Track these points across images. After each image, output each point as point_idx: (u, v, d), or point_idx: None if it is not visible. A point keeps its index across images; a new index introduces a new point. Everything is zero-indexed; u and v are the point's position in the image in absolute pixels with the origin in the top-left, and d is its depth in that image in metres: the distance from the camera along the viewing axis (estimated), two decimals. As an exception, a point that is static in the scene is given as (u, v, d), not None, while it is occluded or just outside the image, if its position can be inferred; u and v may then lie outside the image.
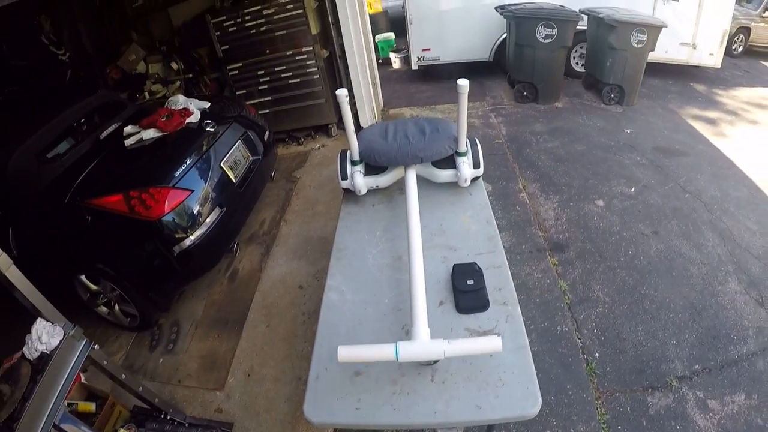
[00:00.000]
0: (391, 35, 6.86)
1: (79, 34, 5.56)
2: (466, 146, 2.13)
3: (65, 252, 3.05)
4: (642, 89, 4.94)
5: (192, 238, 2.91)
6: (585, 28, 4.81)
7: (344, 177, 2.20)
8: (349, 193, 2.27)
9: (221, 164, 3.22)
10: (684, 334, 2.53)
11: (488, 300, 1.53)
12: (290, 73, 4.63)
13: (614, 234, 3.15)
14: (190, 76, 5.24)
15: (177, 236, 2.85)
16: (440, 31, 5.41)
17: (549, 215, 3.43)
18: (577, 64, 5.41)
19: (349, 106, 1.98)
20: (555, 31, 4.51)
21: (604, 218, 3.32)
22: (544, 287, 2.82)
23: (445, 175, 2.14)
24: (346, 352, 1.32)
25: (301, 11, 4.24)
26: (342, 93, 1.90)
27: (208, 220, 3.00)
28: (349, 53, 4.46)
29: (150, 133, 3.13)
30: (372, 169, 2.19)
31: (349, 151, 2.22)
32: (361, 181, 2.15)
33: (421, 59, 5.68)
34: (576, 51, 5.34)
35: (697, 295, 2.70)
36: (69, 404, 2.57)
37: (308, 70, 4.57)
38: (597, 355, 2.47)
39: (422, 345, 1.31)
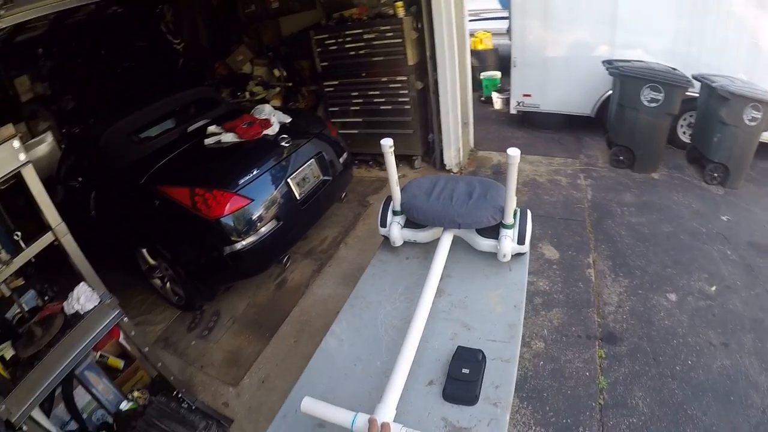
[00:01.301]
0: (497, 74, 6.72)
1: (197, 28, 6.11)
2: (514, 219, 1.99)
3: (133, 225, 3.36)
4: (750, 172, 4.37)
5: (244, 243, 3.05)
6: (697, 95, 4.36)
7: (383, 224, 2.17)
8: (387, 240, 2.24)
9: (288, 179, 3.33)
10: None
11: (478, 395, 1.41)
12: (383, 99, 4.70)
13: (678, 337, 2.79)
14: (290, 84, 5.53)
15: (230, 238, 3.01)
16: (543, 78, 5.21)
17: (612, 300, 3.13)
18: (684, 133, 4.92)
19: (392, 157, 1.94)
20: (662, 96, 4.14)
21: (671, 316, 2.95)
22: (581, 380, 2.56)
23: (485, 244, 2.02)
24: (310, 405, 1.34)
25: (400, 41, 4.29)
26: (386, 143, 1.88)
27: (262, 229, 3.13)
28: (442, 90, 4.45)
29: (229, 137, 3.33)
30: (414, 222, 2.14)
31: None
32: (397, 234, 2.10)
33: (521, 104, 5.49)
34: (684, 119, 4.85)
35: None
36: (101, 356, 2.84)
37: (400, 99, 4.61)
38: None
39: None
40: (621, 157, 4.62)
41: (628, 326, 2.92)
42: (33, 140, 5.00)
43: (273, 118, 3.53)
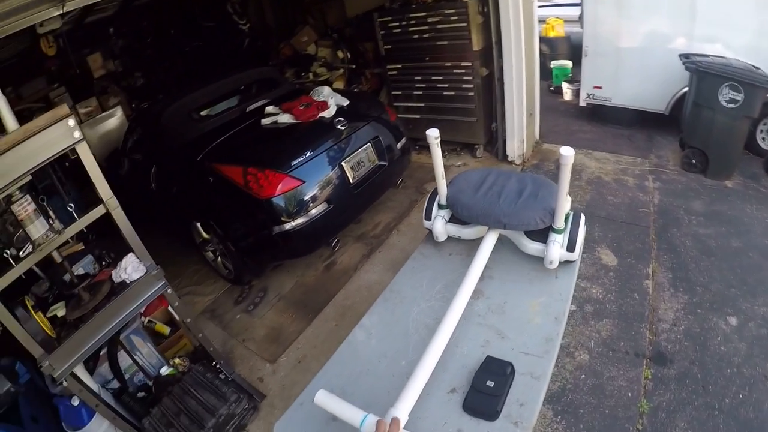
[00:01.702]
0: (569, 63, 6.33)
1: (263, 9, 6.21)
2: (565, 223, 1.88)
3: (189, 199, 3.51)
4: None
5: (293, 224, 3.10)
6: None
7: (428, 217, 2.12)
8: (431, 234, 2.19)
9: (342, 162, 3.33)
10: None
11: (499, 411, 1.35)
12: (446, 85, 4.57)
13: (733, 366, 2.54)
14: (354, 66, 5.52)
15: (280, 218, 3.07)
16: (616, 69, 4.84)
17: (667, 316, 2.91)
18: (763, 139, 4.42)
19: (439, 149, 1.88)
20: (741, 96, 3.73)
21: (729, 342, 2.70)
22: (622, 400, 2.40)
23: (532, 247, 1.93)
24: (323, 398, 1.35)
25: (465, 25, 4.13)
26: (432, 134, 1.81)
27: (313, 211, 3.16)
28: (507, 77, 4.26)
29: (285, 118, 3.38)
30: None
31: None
32: (440, 229, 2.05)
33: (591, 96, 5.15)
34: (765, 124, 4.37)
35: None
36: (150, 321, 3.03)
37: (464, 86, 4.46)
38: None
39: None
40: (693, 161, 4.25)
41: (680, 347, 2.71)
42: (103, 114, 5.35)
43: (331, 100, 3.53)
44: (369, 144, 3.56)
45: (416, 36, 4.44)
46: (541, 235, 1.90)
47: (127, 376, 2.70)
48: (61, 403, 2.25)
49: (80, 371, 2.19)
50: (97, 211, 2.13)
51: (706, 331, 2.78)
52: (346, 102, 3.65)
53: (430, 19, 4.29)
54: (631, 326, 2.85)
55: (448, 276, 1.96)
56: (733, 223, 3.62)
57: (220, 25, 6.23)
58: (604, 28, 4.72)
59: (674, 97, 4.58)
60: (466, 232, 2.07)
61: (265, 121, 3.44)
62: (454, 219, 2.11)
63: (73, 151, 1.97)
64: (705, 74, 3.89)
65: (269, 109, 3.54)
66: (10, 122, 1.82)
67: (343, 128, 3.38)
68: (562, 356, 2.66)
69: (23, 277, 1.97)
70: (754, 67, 3.92)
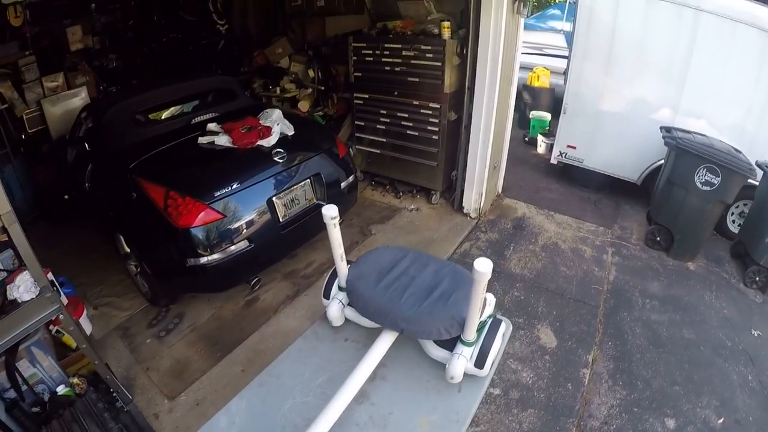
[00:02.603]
0: (547, 116, 6.17)
1: (247, 13, 5.97)
2: (479, 333, 1.60)
3: (113, 209, 3.28)
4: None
5: (207, 258, 2.89)
6: (757, 184, 3.77)
7: (326, 296, 1.87)
8: (330, 314, 1.94)
9: (274, 198, 3.11)
10: None
11: None
12: (411, 124, 4.36)
13: None
14: (323, 88, 5.29)
15: (195, 250, 2.85)
16: (593, 131, 4.68)
17: (600, 413, 2.70)
18: (733, 222, 4.30)
19: (336, 230, 1.62)
20: (718, 180, 3.59)
21: (661, 448, 2.51)
22: None
23: (437, 354, 1.67)
24: None
25: (439, 64, 3.94)
26: (328, 213, 1.56)
27: (231, 248, 2.95)
28: (475, 126, 4.07)
29: (222, 140, 3.14)
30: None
31: None
32: (336, 313, 1.80)
33: (563, 155, 4.97)
34: (737, 206, 4.24)
35: None
36: (57, 331, 2.82)
37: (429, 128, 4.26)
38: None
39: None
40: (658, 238, 4.09)
41: (607, 451, 2.50)
42: (68, 92, 5.03)
43: (276, 126, 3.30)
44: (308, 180, 3.34)
45: (388, 68, 4.24)
46: (449, 341, 1.64)
47: (28, 386, 2.53)
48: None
49: None
50: None
51: (638, 432, 2.57)
52: (291, 131, 3.41)
53: (405, 53, 4.09)
54: (557, 420, 2.65)
55: (336, 368, 1.72)
56: (688, 310, 3.45)
57: (200, 21, 6.00)
58: (588, 87, 4.57)
59: (648, 168, 4.44)
60: (366, 321, 1.81)
61: (201, 140, 3.20)
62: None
63: None
64: (684, 152, 3.74)
65: (211, 126, 3.31)
66: None
67: (280, 160, 3.16)
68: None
69: None
70: (735, 149, 3.80)
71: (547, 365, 2.95)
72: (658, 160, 4.27)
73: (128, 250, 3.28)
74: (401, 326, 1.57)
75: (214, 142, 3.14)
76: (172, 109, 3.90)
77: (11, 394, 2.47)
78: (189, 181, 2.91)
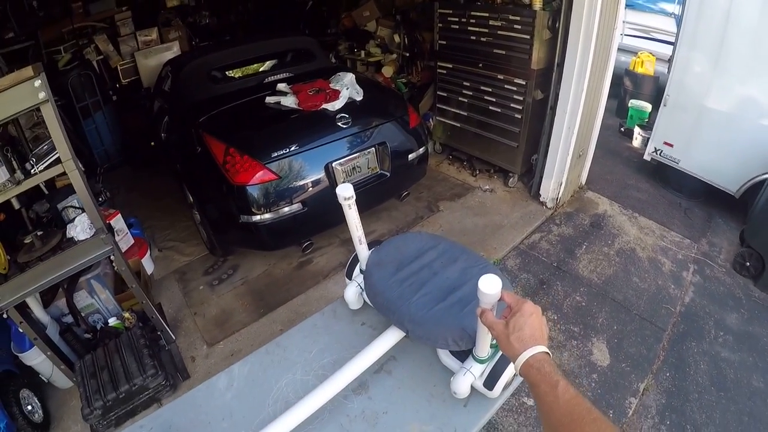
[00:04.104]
0: (647, 106, 5.40)
1: None
2: (494, 350, 1.35)
3: (180, 160, 3.42)
4: None
5: (260, 217, 2.92)
6: None
7: (349, 276, 1.78)
8: (357, 288, 1.85)
9: (334, 164, 3.04)
10: None
11: None
12: (494, 99, 4.03)
13: None
14: (407, 54, 5.08)
15: (248, 208, 2.89)
16: (693, 130, 4.01)
17: (635, 452, 2.40)
18: None
19: (353, 210, 1.48)
20: None
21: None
22: None
23: (446, 360, 1.46)
24: None
25: (528, 37, 3.56)
26: (343, 193, 1.40)
27: (284, 209, 2.95)
28: (561, 108, 3.66)
29: (289, 101, 3.11)
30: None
31: None
32: (353, 297, 1.68)
33: (658, 152, 4.35)
34: None
35: None
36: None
37: (513, 105, 3.91)
38: None
39: None
40: (748, 263, 3.47)
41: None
42: (161, 45, 5.33)
43: (345, 90, 3.20)
44: (372, 149, 3.22)
45: (474, 37, 3.93)
46: (465, 351, 1.41)
47: (83, 315, 2.73)
48: (12, 324, 2.38)
49: (32, 302, 2.37)
50: (55, 170, 2.15)
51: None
52: (360, 96, 3.28)
53: (491, 22, 3.75)
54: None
55: (344, 351, 1.61)
56: (764, 354, 2.92)
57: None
58: (693, 79, 3.91)
59: (751, 181, 3.73)
60: (384, 310, 1.70)
61: (269, 99, 3.19)
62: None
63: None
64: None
65: (280, 86, 3.29)
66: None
67: (344, 126, 3.06)
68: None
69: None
70: None
71: (593, 385, 2.65)
72: (763, 174, 3.59)
73: (191, 200, 3.43)
74: (407, 327, 1.42)
75: (280, 102, 3.12)
76: (253, 66, 3.96)
77: (69, 319, 2.70)
78: (249, 139, 2.93)
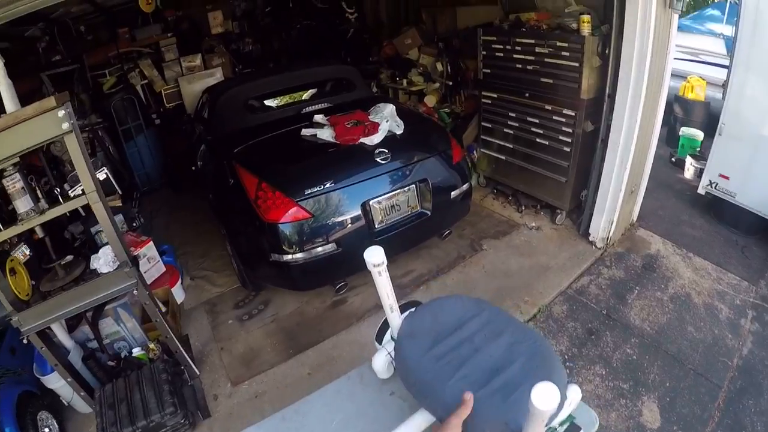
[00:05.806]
0: (699, 135, 5.00)
1: (379, 2, 5.83)
2: None
3: (214, 191, 3.40)
4: None
5: (290, 257, 2.80)
6: None
7: (378, 340, 1.61)
8: (389, 347, 1.68)
9: (371, 202, 2.90)
10: None
11: None
12: (541, 131, 3.80)
13: None
14: (450, 83, 4.94)
15: (279, 246, 2.78)
16: (751, 161, 3.61)
17: None
18: None
19: (384, 276, 1.32)
20: None
21: None
22: None
23: None
24: None
25: (577, 65, 3.34)
26: (371, 259, 1.26)
27: (317, 249, 2.82)
28: (614, 141, 3.40)
29: (326, 134, 3.02)
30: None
31: None
32: (381, 366, 1.49)
33: (713, 185, 3.98)
34: None
35: None
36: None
37: (562, 138, 3.67)
38: None
39: None
40: None
41: None
42: (204, 71, 5.44)
43: (385, 123, 3.07)
44: (413, 186, 3.05)
45: (519, 65, 3.75)
46: None
47: (107, 341, 2.72)
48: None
49: (57, 327, 2.36)
50: (79, 201, 2.13)
51: None
52: (400, 130, 3.14)
53: (538, 49, 3.56)
54: None
55: (369, 426, 1.44)
56: None
57: (331, 9, 6.05)
58: (750, 106, 3.55)
59: None
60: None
61: (305, 132, 3.10)
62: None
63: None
64: None
65: (317, 117, 3.21)
66: (10, 105, 1.98)
67: (383, 162, 2.91)
68: None
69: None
70: None
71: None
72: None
73: (224, 231, 3.37)
74: (440, 414, 1.24)
75: (317, 134, 3.03)
76: (294, 95, 3.92)
77: (95, 344, 2.66)
78: (282, 174, 2.83)
